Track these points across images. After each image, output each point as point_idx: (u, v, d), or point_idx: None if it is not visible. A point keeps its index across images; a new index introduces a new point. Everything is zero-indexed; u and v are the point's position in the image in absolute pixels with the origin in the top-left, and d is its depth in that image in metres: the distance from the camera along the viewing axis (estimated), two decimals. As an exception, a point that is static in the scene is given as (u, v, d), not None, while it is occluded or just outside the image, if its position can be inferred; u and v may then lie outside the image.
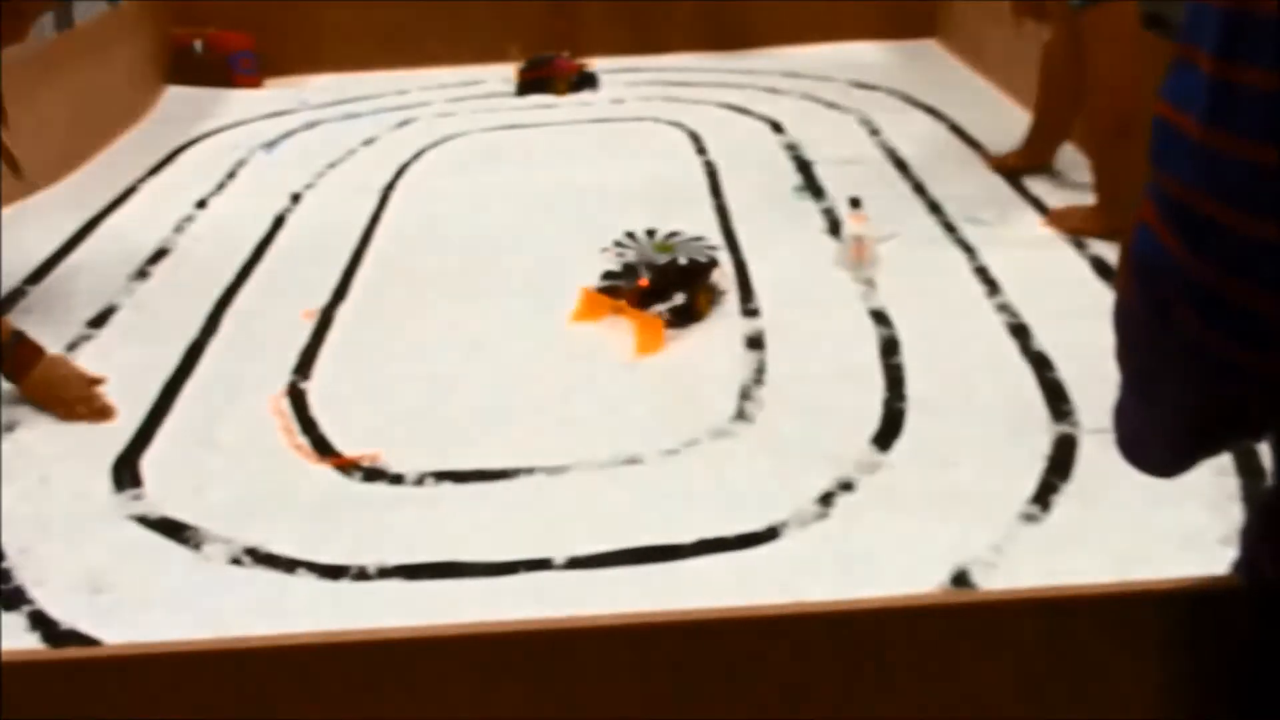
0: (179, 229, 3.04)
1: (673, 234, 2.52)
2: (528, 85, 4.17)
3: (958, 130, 3.53)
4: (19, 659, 0.94)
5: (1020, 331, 2.26)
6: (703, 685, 1.04)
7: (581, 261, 2.68)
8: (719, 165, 3.31)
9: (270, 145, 3.74)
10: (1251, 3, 0.61)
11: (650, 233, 2.53)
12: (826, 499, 1.78)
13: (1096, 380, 2.02)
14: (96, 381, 2.16)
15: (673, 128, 3.69)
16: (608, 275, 2.45)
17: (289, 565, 1.70)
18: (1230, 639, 0.92)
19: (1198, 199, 0.64)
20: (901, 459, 1.88)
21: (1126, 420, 0.81)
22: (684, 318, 2.32)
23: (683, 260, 2.40)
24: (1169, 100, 0.66)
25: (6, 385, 2.21)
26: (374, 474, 1.92)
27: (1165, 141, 0.66)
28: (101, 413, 2.09)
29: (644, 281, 2.36)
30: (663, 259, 2.40)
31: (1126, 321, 0.74)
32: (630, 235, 2.51)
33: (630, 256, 2.43)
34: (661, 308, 2.33)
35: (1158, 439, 0.80)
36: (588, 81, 4.20)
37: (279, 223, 3.07)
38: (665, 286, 2.35)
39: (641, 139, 3.61)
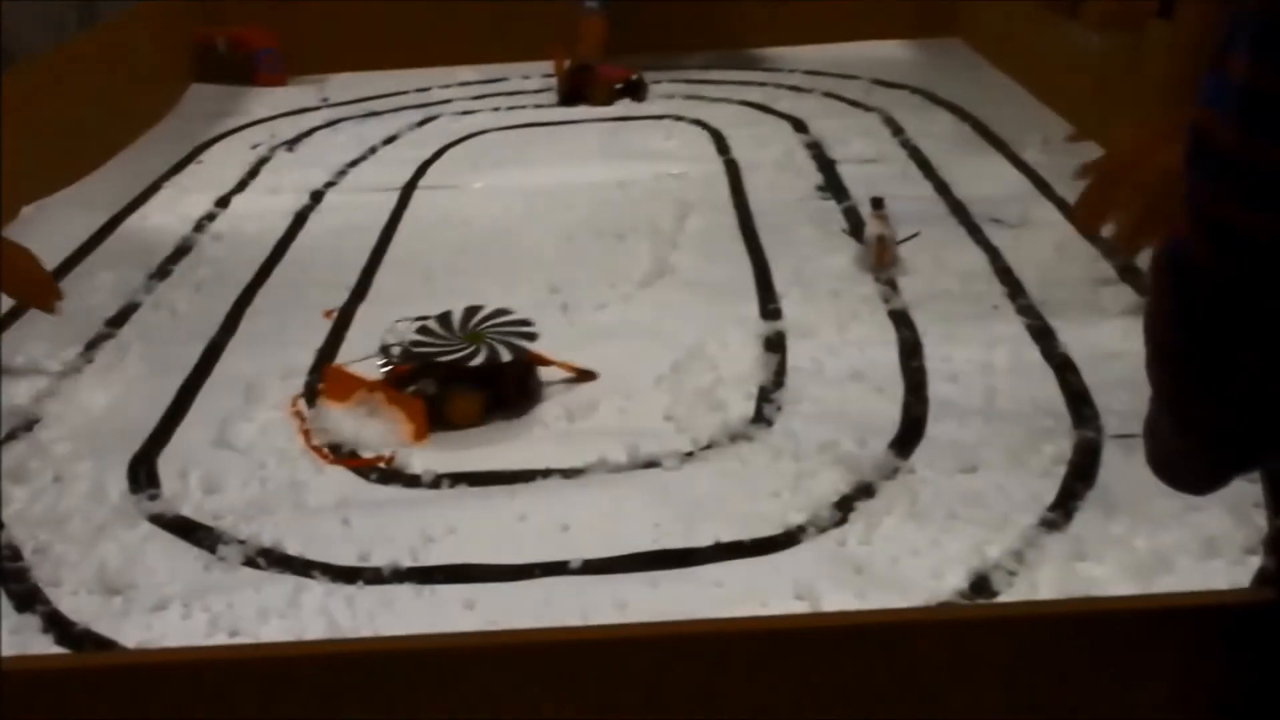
0: (199, 227, 3.04)
1: (497, 316, 2.11)
2: (570, 93, 3.97)
3: (982, 129, 3.51)
4: (21, 665, 0.93)
5: (1043, 334, 2.24)
6: (719, 697, 1.03)
7: (601, 262, 2.68)
8: (741, 164, 3.30)
9: (291, 143, 3.74)
10: None
11: (474, 311, 2.12)
12: (845, 504, 1.76)
13: (1120, 385, 2.01)
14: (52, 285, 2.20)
15: (694, 126, 3.68)
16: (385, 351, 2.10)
17: (304, 567, 1.70)
18: (1261, 655, 0.90)
19: (1231, 208, 0.63)
20: (922, 463, 1.86)
21: (1157, 435, 0.79)
22: (434, 418, 1.99)
23: (446, 358, 2.00)
24: (1204, 106, 0.65)
25: (25, 387, 2.22)
26: (390, 475, 1.91)
27: (1199, 149, 0.65)
28: (41, 287, 2.14)
29: (402, 368, 2.04)
30: (456, 348, 2.02)
31: (1157, 333, 0.72)
32: (444, 317, 2.10)
33: (395, 339, 2.07)
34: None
35: (1189, 455, 0.77)
36: (632, 90, 3.94)
37: (299, 221, 3.07)
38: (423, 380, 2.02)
39: (662, 137, 3.59)
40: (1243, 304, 0.63)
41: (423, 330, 2.08)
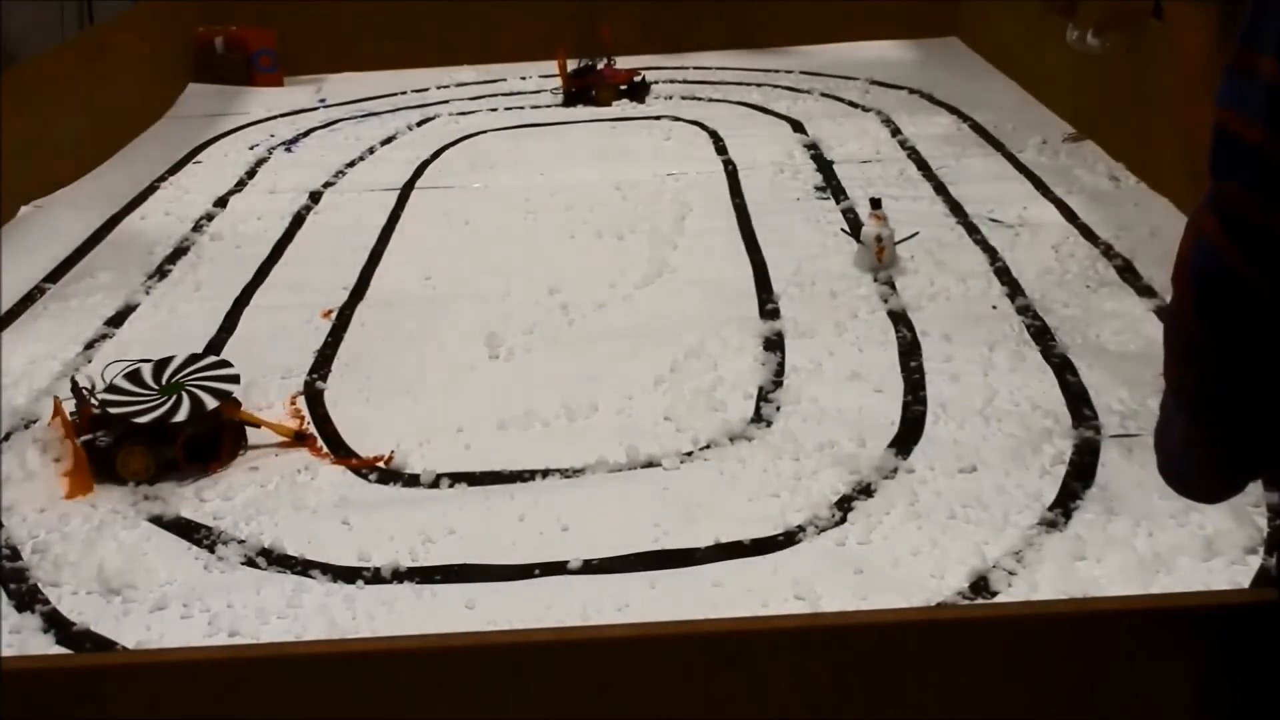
0: (198, 227, 3.04)
1: (214, 368, 2.04)
2: (573, 94, 4.00)
3: (980, 129, 3.51)
4: (22, 665, 0.93)
5: (1042, 334, 2.24)
6: (719, 697, 1.03)
7: (601, 262, 2.68)
8: (739, 164, 3.30)
9: (289, 143, 3.74)
10: None
11: (192, 359, 2.07)
12: (844, 504, 1.76)
13: (1119, 385, 2.01)
14: None
15: (692, 126, 3.67)
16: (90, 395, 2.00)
17: (303, 566, 1.69)
18: (1261, 655, 0.90)
19: (1257, 206, 0.62)
20: (921, 463, 1.85)
21: (1172, 441, 0.77)
22: (107, 468, 1.92)
23: (124, 410, 1.92)
24: (1227, 107, 0.64)
25: (29, 385, 2.22)
26: (389, 475, 1.91)
27: (1224, 149, 0.64)
28: None
29: (90, 410, 1.95)
30: (145, 400, 1.94)
31: (1179, 335, 0.71)
32: (160, 364, 2.03)
33: (84, 381, 2.01)
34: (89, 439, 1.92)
35: (1205, 460, 0.75)
36: (634, 92, 3.98)
37: (298, 221, 3.07)
38: (107, 427, 1.94)
39: (661, 138, 3.59)
40: (1265, 300, 0.63)
41: (131, 376, 2.00)
